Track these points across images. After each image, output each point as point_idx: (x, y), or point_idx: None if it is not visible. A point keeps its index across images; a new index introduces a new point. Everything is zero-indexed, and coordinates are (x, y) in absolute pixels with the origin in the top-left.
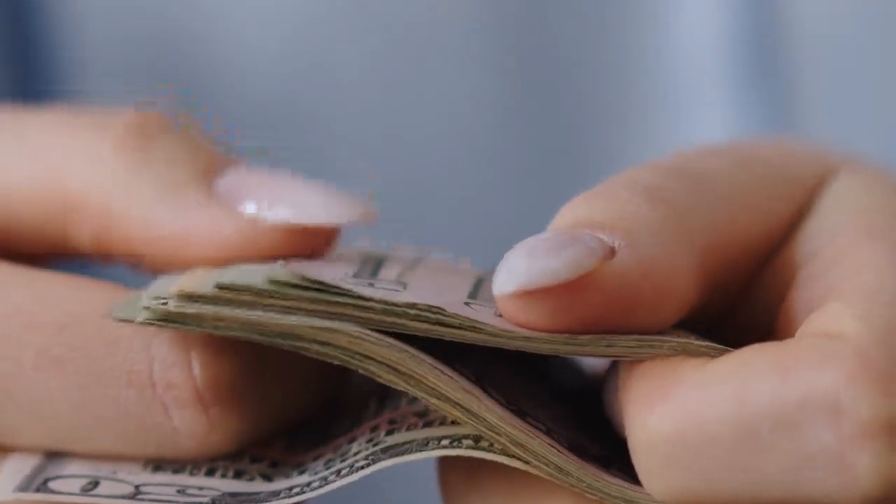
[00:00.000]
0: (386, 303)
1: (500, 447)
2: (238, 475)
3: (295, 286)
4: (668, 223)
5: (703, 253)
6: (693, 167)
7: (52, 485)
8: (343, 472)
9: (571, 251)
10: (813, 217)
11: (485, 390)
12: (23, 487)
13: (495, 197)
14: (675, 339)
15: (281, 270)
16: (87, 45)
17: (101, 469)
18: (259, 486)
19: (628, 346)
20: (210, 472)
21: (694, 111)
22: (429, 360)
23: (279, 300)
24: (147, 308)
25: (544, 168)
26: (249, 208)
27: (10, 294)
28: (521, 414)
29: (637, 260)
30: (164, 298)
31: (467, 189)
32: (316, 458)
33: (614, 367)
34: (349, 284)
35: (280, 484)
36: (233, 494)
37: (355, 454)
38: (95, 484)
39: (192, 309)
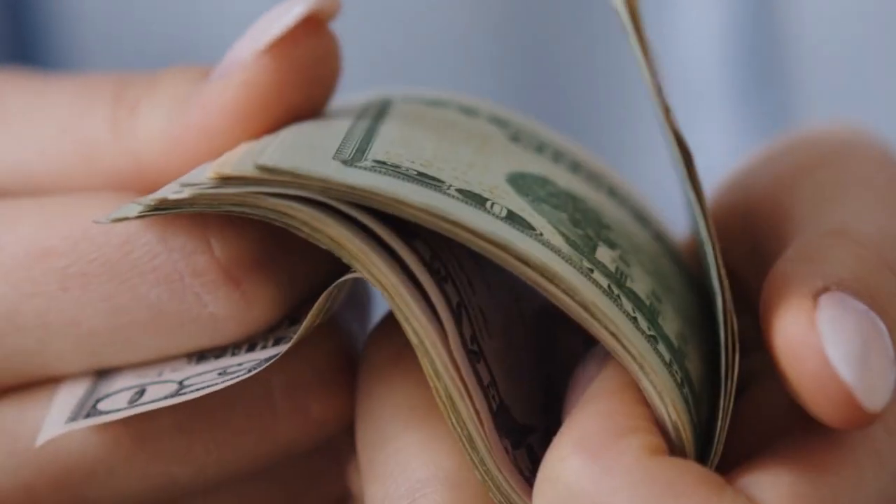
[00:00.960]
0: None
1: (434, 387)
2: (278, 342)
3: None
4: None
5: None
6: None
7: (101, 405)
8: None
9: (890, 373)
10: None
11: (409, 238)
12: (74, 416)
13: None
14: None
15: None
16: (84, 47)
17: (148, 374)
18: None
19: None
20: (251, 347)
21: (695, 122)
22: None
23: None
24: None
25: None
26: (238, 60)
27: (18, 228)
28: (474, 357)
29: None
30: (196, 184)
31: None
32: None
33: (590, 360)
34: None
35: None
36: (268, 358)
37: None
38: (142, 392)
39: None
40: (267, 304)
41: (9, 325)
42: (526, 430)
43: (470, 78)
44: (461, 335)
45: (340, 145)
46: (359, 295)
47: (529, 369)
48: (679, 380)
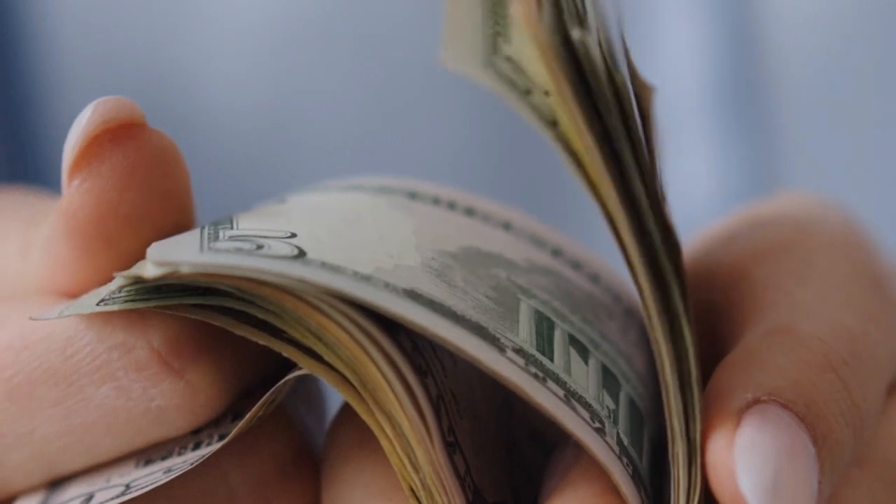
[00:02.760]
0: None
1: (406, 478)
2: (222, 437)
3: None
4: (853, 450)
5: None
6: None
7: None
8: None
9: (813, 485)
10: None
11: (394, 332)
12: None
13: None
14: None
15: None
16: (65, 60)
17: (96, 482)
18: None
19: None
20: (196, 446)
21: (677, 150)
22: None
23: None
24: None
25: (526, 204)
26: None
27: None
28: (451, 449)
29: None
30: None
31: None
32: None
33: (567, 445)
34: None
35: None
36: (209, 452)
37: None
38: (90, 498)
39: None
40: (212, 391)
41: None
42: None
43: (455, 110)
44: (441, 430)
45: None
46: (310, 390)
47: (493, 432)
48: (630, 472)
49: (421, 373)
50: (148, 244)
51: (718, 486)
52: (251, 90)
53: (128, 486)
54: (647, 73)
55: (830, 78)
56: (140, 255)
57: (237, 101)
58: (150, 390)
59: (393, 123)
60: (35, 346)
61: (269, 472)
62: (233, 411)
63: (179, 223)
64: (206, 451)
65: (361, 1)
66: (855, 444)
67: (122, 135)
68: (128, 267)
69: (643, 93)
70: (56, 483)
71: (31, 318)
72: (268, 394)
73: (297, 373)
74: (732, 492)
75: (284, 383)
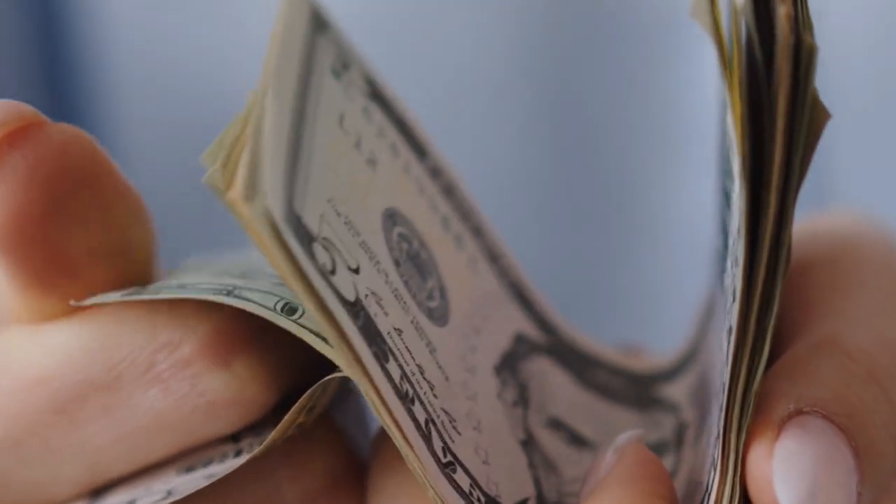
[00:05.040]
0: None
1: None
2: (261, 444)
3: None
4: (889, 478)
5: None
6: None
7: None
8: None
9: (851, 496)
10: None
11: (384, 359)
12: None
13: (520, 245)
14: None
15: None
16: (115, 72)
17: (137, 491)
18: None
19: None
20: (238, 454)
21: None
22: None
23: None
24: None
25: (577, 207)
26: None
27: (9, 366)
28: (451, 468)
29: None
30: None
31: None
32: None
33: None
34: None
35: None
36: (241, 460)
37: None
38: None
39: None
40: (259, 383)
41: (15, 461)
42: None
43: (495, 131)
44: (434, 454)
45: None
46: (354, 403)
47: (505, 432)
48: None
49: (407, 400)
50: (89, 235)
51: (757, 495)
52: None
53: (169, 493)
54: (680, 85)
55: (877, 82)
56: (84, 249)
57: None
58: (197, 386)
59: (442, 127)
60: (78, 361)
61: (321, 485)
62: (273, 421)
63: (120, 208)
64: (245, 458)
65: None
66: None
67: (17, 137)
68: (68, 266)
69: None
70: (98, 490)
71: (71, 304)
72: (305, 396)
73: (336, 374)
74: (770, 502)
75: (323, 385)
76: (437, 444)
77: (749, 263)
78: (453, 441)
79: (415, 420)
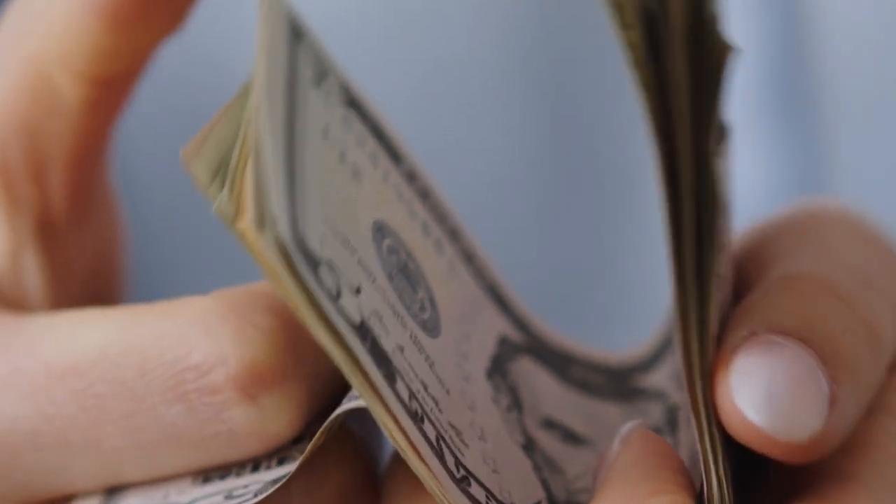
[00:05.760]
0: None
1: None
2: (281, 462)
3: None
4: (878, 374)
5: None
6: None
7: None
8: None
9: (818, 399)
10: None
11: (392, 380)
12: None
13: (519, 242)
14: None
15: None
16: None
17: (153, 498)
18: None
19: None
20: (255, 468)
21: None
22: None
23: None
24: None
25: (577, 198)
26: None
27: (35, 349)
28: (466, 482)
29: (843, 422)
30: None
31: (493, 228)
32: None
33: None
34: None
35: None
36: (274, 481)
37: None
38: None
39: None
40: (284, 421)
41: (29, 445)
42: None
43: (497, 122)
44: (448, 471)
45: None
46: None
47: (507, 439)
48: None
49: (418, 419)
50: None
51: (728, 421)
52: None
53: None
54: None
55: (879, 80)
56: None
57: None
58: (222, 414)
59: (436, 123)
60: (111, 359)
61: (333, 499)
62: (295, 448)
63: None
64: (266, 475)
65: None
66: (875, 361)
67: None
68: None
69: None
70: (113, 489)
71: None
72: (328, 421)
73: (350, 405)
74: (738, 420)
75: (338, 417)
76: (450, 460)
77: (674, 210)
78: (463, 455)
79: (427, 439)
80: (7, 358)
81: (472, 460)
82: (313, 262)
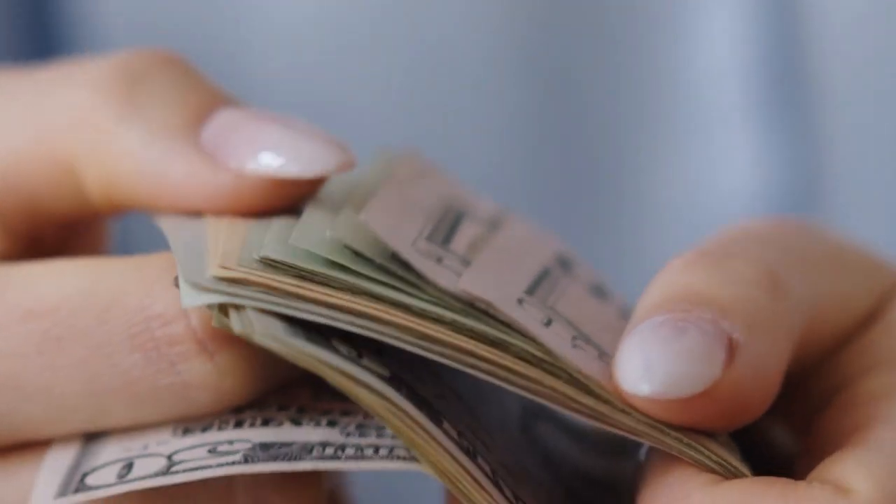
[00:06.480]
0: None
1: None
2: (266, 423)
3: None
4: (784, 318)
5: (799, 343)
6: (802, 248)
7: (88, 480)
8: (381, 451)
9: (704, 351)
10: (874, 330)
11: (439, 421)
12: (62, 492)
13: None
14: (716, 454)
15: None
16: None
17: (133, 447)
18: (289, 432)
19: (679, 442)
20: (238, 424)
21: (719, 137)
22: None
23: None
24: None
25: (570, 194)
26: (234, 161)
27: (4, 293)
28: (471, 453)
29: (753, 367)
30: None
31: None
32: (345, 413)
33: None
34: (416, 258)
35: (311, 433)
36: (264, 445)
37: (393, 437)
38: (129, 466)
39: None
40: (241, 378)
41: None
42: None
43: (493, 102)
44: (507, 499)
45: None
46: None
47: (531, 462)
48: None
49: (472, 455)
50: None
51: (633, 405)
52: (302, 87)
53: (170, 460)
54: (687, 69)
55: (876, 72)
56: None
57: (287, 96)
58: (178, 365)
59: (439, 122)
60: (74, 305)
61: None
62: (278, 402)
63: None
64: (249, 433)
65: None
66: (773, 296)
67: None
68: None
69: None
70: (89, 438)
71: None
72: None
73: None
74: (634, 399)
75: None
76: (508, 493)
77: None
78: (518, 489)
79: (483, 472)
80: None
81: (524, 495)
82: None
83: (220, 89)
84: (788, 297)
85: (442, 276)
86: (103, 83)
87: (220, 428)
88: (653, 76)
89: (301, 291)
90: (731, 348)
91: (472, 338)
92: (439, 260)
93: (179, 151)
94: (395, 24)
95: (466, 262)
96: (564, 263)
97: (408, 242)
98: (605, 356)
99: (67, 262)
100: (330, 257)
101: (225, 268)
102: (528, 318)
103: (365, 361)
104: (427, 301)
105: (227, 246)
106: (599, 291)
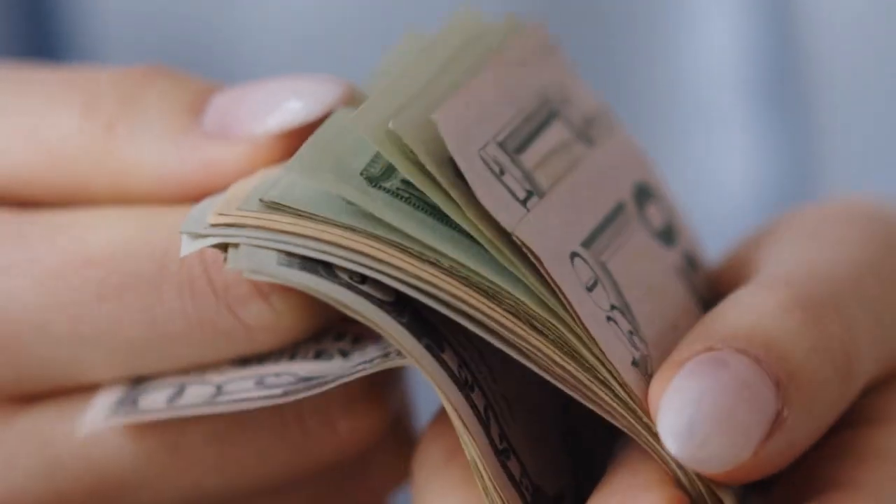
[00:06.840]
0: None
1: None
2: (318, 355)
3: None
4: (841, 404)
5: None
6: (869, 289)
7: (141, 403)
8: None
9: (750, 427)
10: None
11: (440, 348)
12: (114, 411)
13: None
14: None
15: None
16: (103, 27)
17: (190, 375)
18: (333, 365)
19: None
20: (293, 356)
21: (718, 136)
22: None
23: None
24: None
25: None
26: (245, 130)
27: (55, 240)
28: (505, 455)
29: (789, 443)
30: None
31: None
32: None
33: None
34: (473, 168)
35: (352, 361)
36: (305, 379)
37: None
38: (181, 390)
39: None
40: (296, 316)
41: (41, 335)
42: (559, 500)
43: None
44: (490, 439)
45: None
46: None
47: (550, 420)
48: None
49: (467, 387)
50: None
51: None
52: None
53: (218, 389)
54: (685, 66)
55: (872, 71)
56: None
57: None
58: (236, 308)
59: None
60: (134, 251)
61: (337, 396)
62: (336, 331)
63: None
64: (301, 367)
65: None
66: (843, 380)
67: None
68: None
69: None
70: (140, 379)
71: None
72: (378, 367)
73: (395, 363)
74: (660, 435)
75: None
76: (495, 431)
77: None
78: (509, 428)
79: (473, 406)
80: (23, 247)
81: (515, 436)
82: None
83: (209, 83)
84: (855, 382)
85: (491, 196)
86: (98, 105)
87: (276, 361)
88: (652, 75)
89: (295, 229)
90: (777, 422)
91: (465, 285)
92: (501, 173)
93: (190, 148)
94: (393, 19)
95: (530, 181)
96: (642, 195)
97: (474, 147)
98: (635, 336)
99: (120, 210)
100: (381, 150)
101: (222, 214)
102: (572, 281)
103: (366, 287)
104: (455, 228)
105: (230, 196)
106: (667, 234)
